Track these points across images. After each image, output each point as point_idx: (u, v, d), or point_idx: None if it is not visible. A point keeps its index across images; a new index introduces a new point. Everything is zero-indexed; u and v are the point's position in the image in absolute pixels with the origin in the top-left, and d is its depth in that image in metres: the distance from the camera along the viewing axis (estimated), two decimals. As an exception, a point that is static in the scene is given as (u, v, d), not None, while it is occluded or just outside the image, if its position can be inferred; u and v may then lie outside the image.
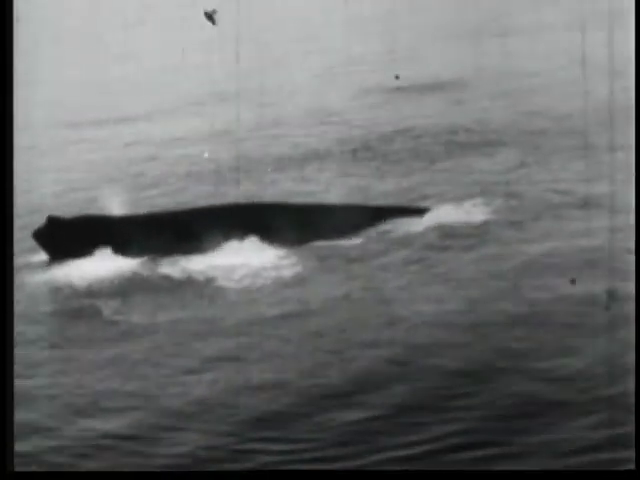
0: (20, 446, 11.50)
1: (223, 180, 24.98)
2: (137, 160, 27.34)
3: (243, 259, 17.53)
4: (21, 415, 12.13)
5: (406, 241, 18.00)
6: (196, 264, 17.68)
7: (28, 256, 18.85)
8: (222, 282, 16.65)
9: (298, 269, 16.93)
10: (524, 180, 21.97)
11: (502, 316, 13.93)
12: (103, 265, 17.87)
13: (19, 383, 13.01)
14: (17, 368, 13.58)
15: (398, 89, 35.60)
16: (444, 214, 19.25)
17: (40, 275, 17.92)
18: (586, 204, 19.35)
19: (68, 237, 18.56)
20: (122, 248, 18.29)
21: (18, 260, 18.34)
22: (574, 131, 25.61)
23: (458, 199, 20.34)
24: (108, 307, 15.95)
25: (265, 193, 22.09)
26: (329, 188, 22.47)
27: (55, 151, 29.54)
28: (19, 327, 15.27)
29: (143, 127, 33.34)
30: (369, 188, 22.42)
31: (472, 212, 19.43)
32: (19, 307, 16.23)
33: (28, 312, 16.12)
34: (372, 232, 18.60)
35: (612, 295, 13.96)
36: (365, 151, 26.63)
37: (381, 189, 22.14)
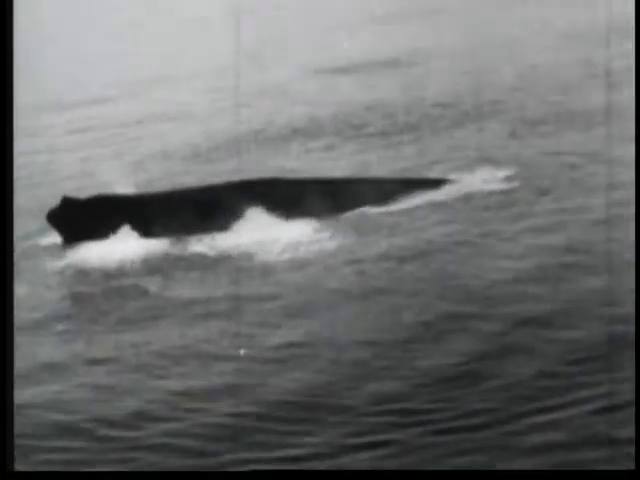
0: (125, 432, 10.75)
1: (207, 159, 24.25)
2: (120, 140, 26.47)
3: (272, 234, 16.85)
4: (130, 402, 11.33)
5: (438, 210, 17.56)
6: (224, 241, 16.96)
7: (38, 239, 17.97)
8: (264, 256, 15.95)
9: (339, 241, 16.32)
10: (522, 149, 21.75)
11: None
12: (126, 245, 17.02)
13: (103, 369, 12.19)
14: (92, 349, 12.78)
15: (353, 66, 35.10)
16: (465, 184, 18.88)
17: (58, 259, 16.97)
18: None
19: (83, 218, 17.67)
20: (141, 227, 17.46)
21: (29, 243, 17.49)
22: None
23: (466, 170, 19.98)
24: (153, 284, 15.11)
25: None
26: (323, 165, 21.92)
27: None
28: (71, 310, 14.48)
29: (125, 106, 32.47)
30: (368, 163, 21.92)
31: (490, 182, 19.09)
32: (53, 292, 15.41)
33: (69, 295, 15.24)
34: (398, 203, 18.09)
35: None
36: (347, 127, 26.07)
37: (383, 163, 21.64)
